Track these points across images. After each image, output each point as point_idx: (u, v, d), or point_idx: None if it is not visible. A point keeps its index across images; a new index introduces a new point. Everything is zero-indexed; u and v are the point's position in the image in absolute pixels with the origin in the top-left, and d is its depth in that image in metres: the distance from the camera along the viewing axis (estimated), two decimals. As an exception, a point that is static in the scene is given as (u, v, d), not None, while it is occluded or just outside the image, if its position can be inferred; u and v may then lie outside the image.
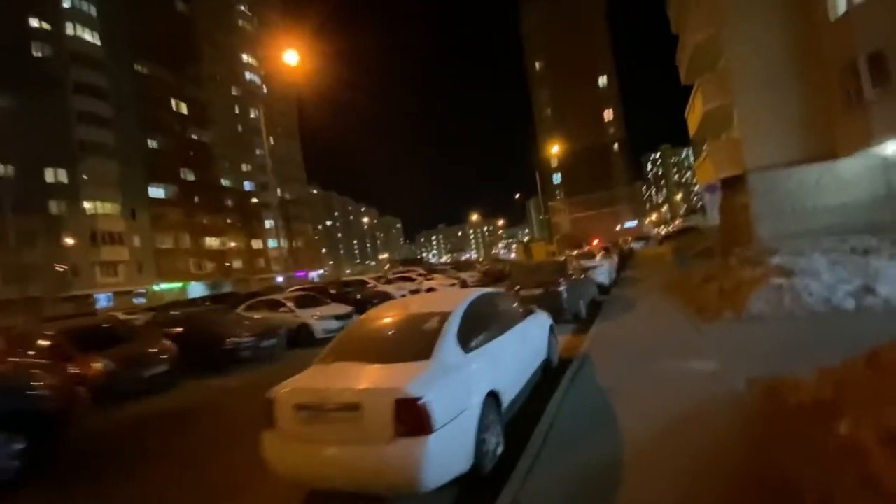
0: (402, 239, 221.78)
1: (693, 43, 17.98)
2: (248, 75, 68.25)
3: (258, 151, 64.80)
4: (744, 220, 18.75)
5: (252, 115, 65.99)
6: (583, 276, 10.79)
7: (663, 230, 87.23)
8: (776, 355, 4.99)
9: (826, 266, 6.67)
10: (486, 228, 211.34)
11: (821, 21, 14.47)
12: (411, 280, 20.18)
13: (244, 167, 65.01)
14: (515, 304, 6.22)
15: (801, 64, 15.41)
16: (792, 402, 2.38)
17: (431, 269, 24.77)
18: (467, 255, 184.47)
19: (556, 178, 77.21)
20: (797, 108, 15.52)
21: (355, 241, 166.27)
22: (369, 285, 19.62)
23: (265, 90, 70.40)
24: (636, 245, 49.13)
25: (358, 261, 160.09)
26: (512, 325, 5.30)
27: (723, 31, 16.51)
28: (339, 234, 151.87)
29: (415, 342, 3.73)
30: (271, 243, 67.44)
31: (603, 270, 13.70)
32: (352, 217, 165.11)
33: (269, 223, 67.07)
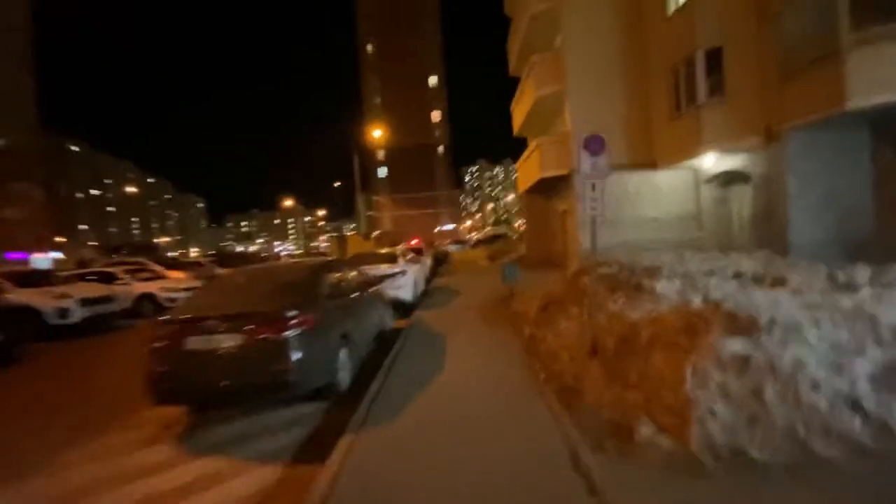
0: (203, 221, 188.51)
1: (528, 16, 15.36)
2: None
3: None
4: (562, 228, 17.07)
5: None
6: (361, 295, 5.98)
7: (476, 236, 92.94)
8: None
9: (792, 309, 3.31)
10: (307, 219, 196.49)
11: (657, 14, 13.05)
12: (110, 280, 12.53)
13: None
14: None
15: (634, 61, 13.97)
16: None
17: (173, 264, 17.06)
18: (281, 247, 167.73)
19: (382, 171, 73.68)
20: (628, 108, 14.02)
21: (135, 219, 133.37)
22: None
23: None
24: (453, 248, 48.94)
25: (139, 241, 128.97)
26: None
27: (562, 3, 14.15)
28: (111, 208, 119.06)
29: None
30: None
31: (406, 281, 9.33)
32: (131, 188, 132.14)
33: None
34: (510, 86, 20.76)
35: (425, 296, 11.57)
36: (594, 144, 5.12)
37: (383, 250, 14.09)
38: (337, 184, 59.15)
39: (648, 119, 13.87)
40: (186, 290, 12.34)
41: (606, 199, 14.23)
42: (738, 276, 6.10)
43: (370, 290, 6.71)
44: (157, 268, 14.73)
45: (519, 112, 18.79)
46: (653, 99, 13.65)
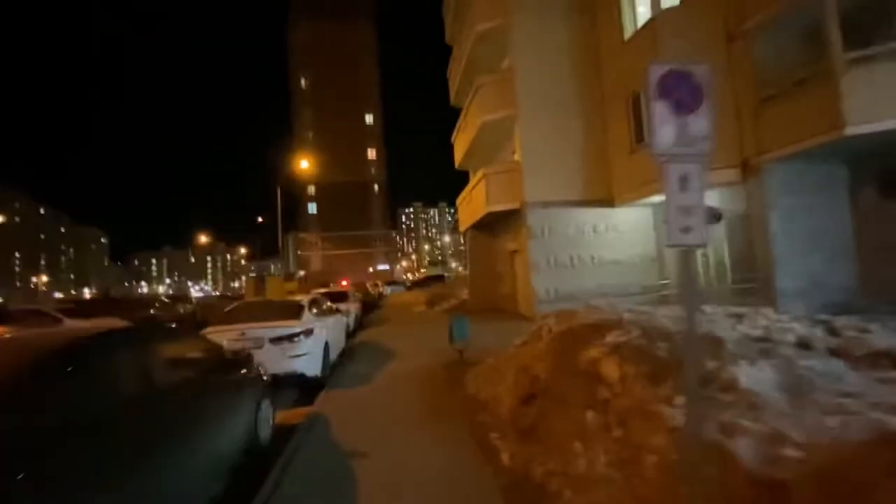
0: (106, 259, 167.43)
1: (474, 35, 13.83)
2: None
3: None
4: (511, 270, 15.05)
5: None
6: (193, 399, 3.06)
7: (411, 277, 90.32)
8: None
9: None
10: (228, 256, 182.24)
11: (613, 36, 11.97)
12: None
13: None
14: None
15: (590, 86, 12.73)
16: None
17: None
18: (197, 289, 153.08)
19: (312, 207, 69.49)
20: (584, 138, 12.59)
21: (17, 254, 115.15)
22: None
23: None
24: (388, 289, 46.26)
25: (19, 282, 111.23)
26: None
27: (510, 20, 12.75)
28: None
29: None
30: None
31: (311, 346, 6.34)
32: (17, 219, 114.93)
33: None
34: (448, 126, 19.24)
35: (344, 357, 8.64)
36: (682, 88, 2.25)
37: (292, 297, 11.08)
38: (260, 219, 54.27)
39: (606, 151, 12.53)
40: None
41: (563, 239, 12.40)
42: (803, 344, 4.09)
43: (226, 377, 3.83)
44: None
45: (461, 142, 17.03)
46: (610, 128, 12.37)
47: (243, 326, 6.19)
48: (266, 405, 4.58)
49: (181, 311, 18.80)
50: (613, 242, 12.43)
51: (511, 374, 4.89)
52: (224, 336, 6.08)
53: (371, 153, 71.14)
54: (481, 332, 7.43)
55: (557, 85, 12.62)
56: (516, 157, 13.26)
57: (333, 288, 19.58)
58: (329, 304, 9.03)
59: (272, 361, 5.99)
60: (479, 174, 13.43)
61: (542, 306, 11.85)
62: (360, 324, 14.54)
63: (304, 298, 7.65)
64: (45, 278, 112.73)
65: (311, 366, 6.29)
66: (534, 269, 12.14)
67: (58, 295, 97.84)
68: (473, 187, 14.67)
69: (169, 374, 3.20)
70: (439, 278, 55.11)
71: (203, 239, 74.31)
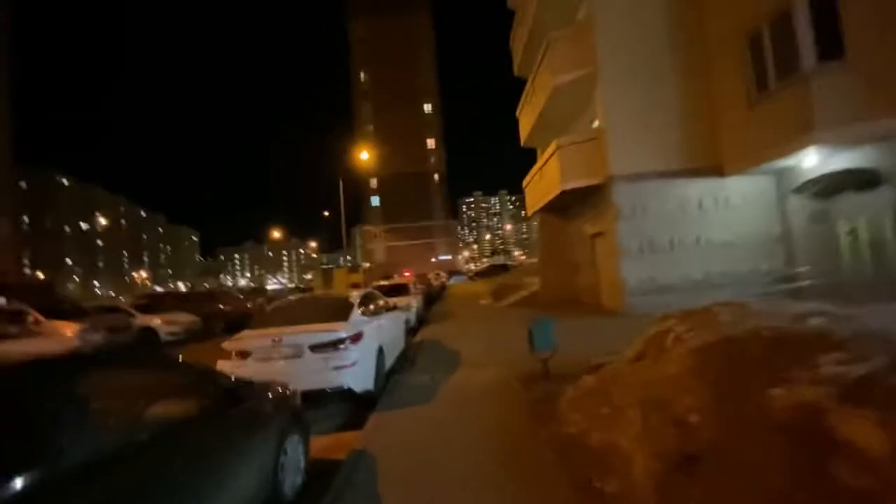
0: (197, 255, 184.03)
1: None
2: None
3: None
4: (590, 259, 13.11)
5: None
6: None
7: (473, 267, 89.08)
8: None
9: None
10: (301, 251, 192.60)
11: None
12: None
13: None
14: None
15: (686, 32, 10.44)
16: None
17: (73, 310, 12.73)
18: (274, 281, 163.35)
19: (375, 200, 70.32)
20: (681, 96, 10.37)
21: (125, 252, 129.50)
22: None
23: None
24: (454, 280, 45.77)
25: (128, 276, 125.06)
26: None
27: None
28: (100, 242, 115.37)
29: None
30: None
31: (359, 354, 5.07)
32: (123, 221, 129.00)
33: None
34: (509, 111, 17.46)
35: (403, 361, 7.44)
36: None
37: (356, 289, 10.11)
38: (326, 213, 55.62)
39: (712, 109, 10.21)
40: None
41: (659, 218, 10.31)
42: None
43: (222, 418, 2.65)
44: (38, 318, 10.64)
45: (528, 114, 15.20)
46: (718, 81, 10.03)
47: (281, 331, 5.13)
48: (294, 444, 3.39)
49: (249, 305, 18.88)
50: (724, 220, 10.14)
51: (636, 410, 3.30)
52: (256, 343, 5.06)
53: (430, 143, 70.35)
54: (562, 333, 5.86)
55: (646, 34, 10.45)
56: (597, 124, 11.29)
57: (396, 279, 18.71)
58: (385, 300, 7.84)
59: (313, 374, 4.88)
60: (552, 147, 11.62)
61: (634, 299, 9.94)
62: (422, 319, 13.41)
63: (354, 294, 6.49)
64: (144, 273, 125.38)
65: (360, 379, 5.10)
66: (622, 255, 10.21)
67: (158, 288, 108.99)
68: (544, 164, 12.87)
69: (123, 423, 2.06)
70: (503, 268, 53.30)
71: (276, 234, 78.37)
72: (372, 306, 6.67)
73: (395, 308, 8.03)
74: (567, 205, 13.31)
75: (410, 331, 10.25)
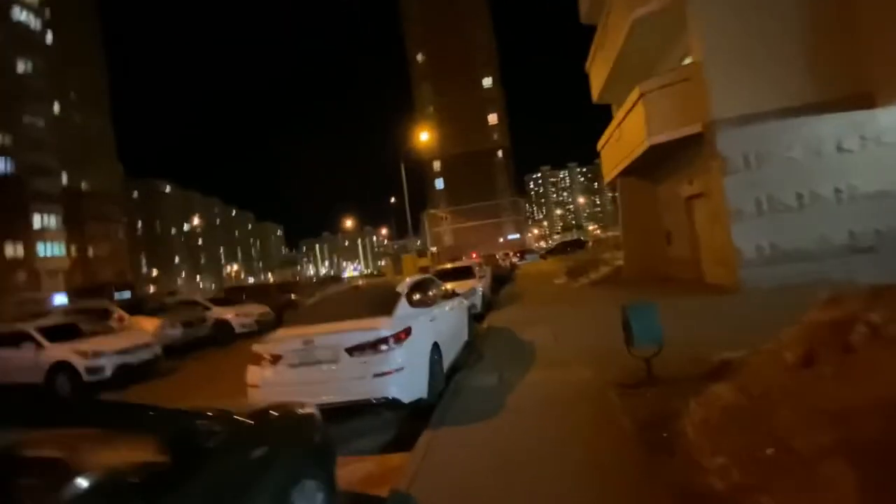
0: (283, 247, 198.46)
1: None
2: (19, 13, 48.65)
3: (27, 119, 46.18)
4: (686, 226, 11.09)
5: (21, 69, 47.02)
6: None
7: (544, 245, 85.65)
8: None
9: None
10: (374, 238, 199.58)
11: None
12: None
13: (-1, 138, 45.47)
14: None
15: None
16: None
17: (158, 307, 13.13)
18: (353, 267, 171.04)
19: (439, 183, 69.76)
20: (807, 5, 8.04)
21: (222, 249, 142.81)
22: None
23: (49, 39, 51.51)
24: (527, 258, 44.33)
25: (227, 272, 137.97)
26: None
27: None
28: (200, 241, 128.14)
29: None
30: (49, 250, 48.25)
31: (408, 358, 4.12)
32: (218, 221, 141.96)
33: (45, 221, 47.92)
34: (575, 74, 15.44)
35: (467, 355, 6.41)
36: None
37: (425, 272, 9.34)
38: (392, 200, 56.12)
39: (852, 20, 7.78)
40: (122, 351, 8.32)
41: (782, 168, 8.07)
42: None
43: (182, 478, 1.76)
44: (122, 315, 11.14)
45: (600, 65, 13.19)
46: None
47: (314, 330, 4.29)
48: (308, 494, 2.46)
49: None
50: (876, 164, 7.76)
51: (840, 464, 1.94)
52: (287, 346, 4.26)
53: (492, 118, 67.89)
54: (670, 315, 4.43)
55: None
56: (690, 60, 9.22)
57: (465, 261, 17.69)
58: (443, 286, 6.80)
59: (352, 382, 4.00)
60: (634, 94, 9.73)
61: (750, 271, 8.02)
62: (490, 303, 12.28)
63: (404, 281, 5.52)
64: (235, 267, 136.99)
65: (409, 386, 4.12)
66: (733, 217, 8.24)
67: (251, 280, 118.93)
68: (624, 117, 10.97)
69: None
70: (578, 243, 50.32)
71: (349, 224, 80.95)
72: (425, 294, 5.67)
73: (454, 294, 6.97)
74: (654, 164, 11.31)
75: (476, 317, 9.19)
